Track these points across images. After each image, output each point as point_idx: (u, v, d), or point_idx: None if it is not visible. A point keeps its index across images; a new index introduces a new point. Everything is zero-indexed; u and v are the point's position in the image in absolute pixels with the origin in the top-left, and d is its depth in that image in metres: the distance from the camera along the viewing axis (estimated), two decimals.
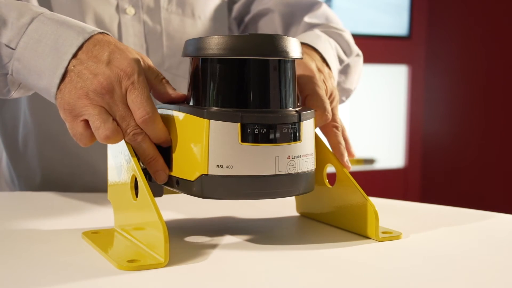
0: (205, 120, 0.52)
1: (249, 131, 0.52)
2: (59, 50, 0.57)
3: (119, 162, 0.56)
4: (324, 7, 0.93)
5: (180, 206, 0.72)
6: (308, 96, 0.63)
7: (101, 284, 0.45)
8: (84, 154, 0.86)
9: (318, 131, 0.64)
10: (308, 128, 0.56)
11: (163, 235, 0.48)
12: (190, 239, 0.58)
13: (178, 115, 0.55)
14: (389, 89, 2.64)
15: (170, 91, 0.58)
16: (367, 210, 0.58)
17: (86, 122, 0.55)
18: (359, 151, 2.64)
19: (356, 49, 0.90)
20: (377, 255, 0.54)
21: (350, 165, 0.62)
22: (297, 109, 0.56)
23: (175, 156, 0.56)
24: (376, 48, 2.44)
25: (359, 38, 0.96)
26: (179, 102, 0.58)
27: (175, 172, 0.56)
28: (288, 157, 0.54)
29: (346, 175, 0.60)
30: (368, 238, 0.58)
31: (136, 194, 0.53)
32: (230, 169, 0.52)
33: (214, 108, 0.54)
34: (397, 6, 2.55)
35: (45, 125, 0.86)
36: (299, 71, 0.65)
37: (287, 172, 0.54)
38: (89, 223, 0.63)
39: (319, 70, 0.68)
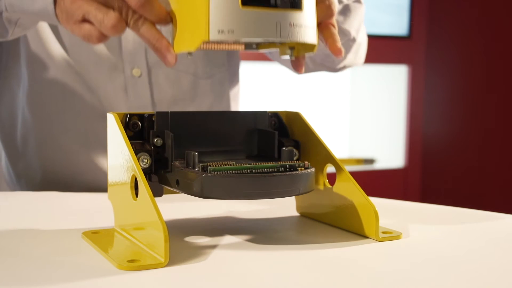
0: None
1: None
2: None
3: (119, 162, 0.56)
4: None
5: (180, 206, 0.72)
6: None
7: (101, 284, 0.45)
8: (84, 152, 0.86)
9: (316, 128, 0.64)
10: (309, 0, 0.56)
11: (163, 235, 0.48)
12: (190, 239, 0.58)
13: None
14: (389, 89, 2.64)
15: None
16: (367, 210, 0.58)
17: (85, 20, 0.56)
18: (359, 151, 2.64)
19: None
20: (377, 255, 0.54)
21: (342, 49, 0.63)
22: None
23: (175, 32, 0.56)
24: (376, 48, 2.43)
25: None
26: None
27: (176, 48, 0.56)
28: (290, 24, 0.54)
29: (346, 175, 0.60)
30: (368, 238, 0.58)
31: (136, 194, 0.53)
32: (231, 34, 0.53)
33: None
34: (397, 6, 2.55)
35: (44, 124, 0.86)
36: None
37: (289, 40, 0.54)
38: (89, 223, 0.63)
39: None
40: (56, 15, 0.57)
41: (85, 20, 0.56)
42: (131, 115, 0.58)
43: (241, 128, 0.63)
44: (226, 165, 0.54)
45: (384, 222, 0.60)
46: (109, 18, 0.55)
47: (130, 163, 0.54)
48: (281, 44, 0.62)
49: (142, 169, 0.55)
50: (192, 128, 0.61)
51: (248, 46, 0.63)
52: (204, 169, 0.53)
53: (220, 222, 0.66)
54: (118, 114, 0.57)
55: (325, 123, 2.65)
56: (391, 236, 0.58)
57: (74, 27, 0.56)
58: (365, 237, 0.58)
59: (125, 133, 0.56)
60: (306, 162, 0.57)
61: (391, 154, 2.64)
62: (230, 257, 0.52)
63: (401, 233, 0.59)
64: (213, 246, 0.55)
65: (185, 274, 0.47)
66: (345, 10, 0.87)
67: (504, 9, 2.60)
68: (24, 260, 0.50)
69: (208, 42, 0.54)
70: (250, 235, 0.60)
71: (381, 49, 2.48)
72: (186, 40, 0.55)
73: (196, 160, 0.55)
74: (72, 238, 0.58)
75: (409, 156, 2.62)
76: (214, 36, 0.53)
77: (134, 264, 0.48)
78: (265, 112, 0.65)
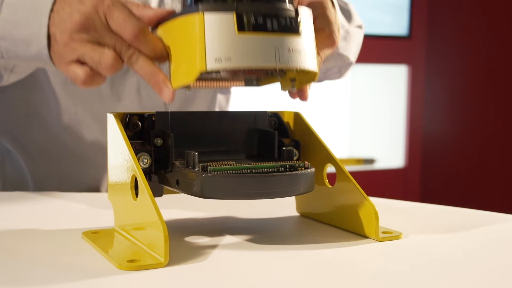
0: (199, 14, 0.51)
1: (245, 20, 0.51)
2: (37, 11, 0.56)
3: (119, 162, 0.56)
4: None
5: (180, 206, 0.72)
6: (318, 17, 0.62)
7: (101, 284, 0.45)
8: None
9: (316, 128, 0.64)
10: (307, 25, 0.55)
11: (163, 235, 0.48)
12: (190, 239, 0.58)
13: (170, 25, 0.55)
14: (389, 89, 2.64)
15: (158, 10, 0.57)
16: (367, 210, 0.58)
17: (78, 61, 0.55)
18: (359, 151, 2.64)
19: (358, 20, 0.89)
20: (377, 255, 0.54)
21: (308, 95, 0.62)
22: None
23: (172, 67, 0.55)
24: (376, 48, 2.44)
25: None
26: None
27: (174, 82, 0.54)
28: (289, 50, 0.53)
29: (346, 175, 0.60)
30: (368, 238, 0.58)
31: (136, 194, 0.53)
32: (229, 62, 0.51)
33: (207, 4, 0.53)
34: (397, 6, 2.54)
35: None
36: None
37: (288, 65, 0.52)
38: (89, 223, 0.63)
39: (332, 6, 0.67)
40: (51, 58, 0.57)
41: (79, 61, 0.55)
42: (131, 115, 0.58)
43: (241, 128, 0.63)
44: (226, 165, 0.54)
45: (384, 222, 0.60)
46: (105, 58, 0.53)
47: (130, 163, 0.54)
48: (282, 77, 0.60)
49: (142, 169, 0.55)
50: (192, 128, 0.61)
51: (248, 82, 0.62)
52: (204, 169, 0.53)
53: (220, 222, 0.66)
54: (118, 114, 0.57)
55: (325, 123, 2.65)
56: (391, 236, 0.58)
57: (64, 69, 0.56)
58: (365, 237, 0.58)
59: (125, 133, 0.56)
60: (306, 162, 0.57)
61: (391, 154, 2.64)
62: (230, 257, 0.52)
63: (401, 233, 0.59)
64: (213, 246, 0.55)
65: (185, 274, 0.47)
66: (346, 36, 0.87)
67: (504, 9, 2.60)
68: (24, 260, 0.50)
69: (206, 72, 0.52)
70: (250, 235, 0.60)
71: (381, 49, 2.47)
72: (183, 72, 0.53)
73: (196, 160, 0.55)
74: (72, 238, 0.58)
75: (409, 156, 2.62)
76: (211, 65, 0.51)
77: (134, 264, 0.48)
78: (265, 112, 0.65)
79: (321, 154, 0.62)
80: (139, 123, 0.59)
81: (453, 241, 0.59)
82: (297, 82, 0.60)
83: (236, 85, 0.61)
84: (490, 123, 2.65)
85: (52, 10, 0.56)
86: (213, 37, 0.51)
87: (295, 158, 0.61)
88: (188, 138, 0.61)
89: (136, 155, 0.56)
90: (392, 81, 2.63)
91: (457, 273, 0.49)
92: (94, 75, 0.55)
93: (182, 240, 0.57)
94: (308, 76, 0.59)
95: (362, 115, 2.65)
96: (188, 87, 0.55)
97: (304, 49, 0.54)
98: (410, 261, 0.52)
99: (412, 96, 2.59)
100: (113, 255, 0.51)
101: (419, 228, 0.62)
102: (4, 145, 0.89)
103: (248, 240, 0.58)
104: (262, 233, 0.61)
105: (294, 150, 0.62)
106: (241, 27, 0.51)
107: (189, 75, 0.53)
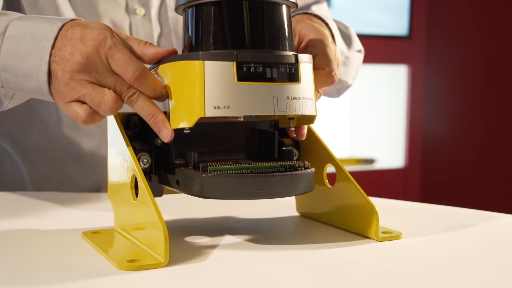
0: (199, 61, 0.52)
1: (245, 69, 0.51)
2: (38, 46, 0.56)
3: (119, 162, 0.56)
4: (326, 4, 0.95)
5: (180, 206, 0.72)
6: (318, 56, 0.63)
7: (101, 284, 0.45)
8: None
9: (316, 128, 0.64)
10: (307, 71, 0.55)
11: (163, 235, 0.48)
12: (190, 239, 0.58)
13: (171, 66, 0.55)
14: (389, 89, 2.64)
15: (159, 49, 0.57)
16: (367, 210, 0.58)
17: (79, 101, 0.55)
18: (359, 151, 2.64)
19: (358, 44, 0.89)
20: (377, 255, 0.54)
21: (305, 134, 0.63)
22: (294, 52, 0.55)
23: (171, 107, 0.55)
24: (376, 48, 2.43)
25: (359, 38, 0.97)
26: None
27: (173, 123, 0.55)
28: (287, 98, 0.53)
29: (346, 175, 0.60)
30: (368, 238, 0.58)
31: (136, 194, 0.53)
32: (227, 110, 0.51)
33: (208, 51, 0.53)
34: (397, 6, 2.54)
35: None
36: (311, 35, 0.65)
37: (286, 113, 0.53)
38: (89, 223, 0.63)
39: (332, 41, 0.68)
40: (51, 94, 0.57)
41: (79, 101, 0.55)
42: (131, 115, 0.58)
43: (241, 128, 0.63)
44: (226, 165, 0.54)
45: (384, 222, 0.60)
46: (105, 100, 0.53)
47: (130, 163, 0.54)
48: (281, 115, 0.61)
49: (142, 169, 0.55)
50: (192, 128, 0.61)
51: (247, 117, 0.62)
52: (204, 169, 0.53)
53: (220, 222, 0.66)
54: (118, 114, 0.58)
55: (325, 123, 2.65)
56: (391, 236, 0.58)
57: (64, 107, 0.56)
58: (365, 237, 0.58)
59: (125, 133, 0.56)
60: (306, 162, 0.57)
61: (391, 154, 2.64)
62: (230, 257, 0.52)
63: (401, 233, 0.59)
64: (213, 246, 0.55)
65: (185, 274, 0.47)
66: (346, 61, 0.88)
67: (503, 9, 2.60)
68: (24, 260, 0.50)
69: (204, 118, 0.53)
70: (250, 235, 0.60)
71: (381, 49, 2.47)
72: (183, 115, 0.53)
73: (196, 160, 0.55)
74: (72, 238, 0.58)
75: (409, 156, 2.62)
76: (210, 112, 0.51)
77: (134, 264, 0.48)
78: None
79: (321, 154, 0.62)
80: (139, 123, 0.59)
81: (453, 241, 0.59)
82: (295, 120, 0.60)
83: (235, 120, 0.62)
84: (490, 123, 2.65)
85: (53, 46, 0.56)
86: (212, 85, 0.51)
87: (295, 158, 0.61)
88: (188, 138, 0.61)
89: (136, 155, 0.56)
90: (392, 81, 2.63)
91: (457, 273, 0.49)
92: (94, 114, 0.55)
93: (182, 240, 0.57)
94: (307, 118, 0.59)
95: (362, 115, 2.65)
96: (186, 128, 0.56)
97: (303, 96, 0.54)
98: (410, 261, 0.52)
99: (412, 96, 2.59)
100: (113, 255, 0.51)
101: (419, 228, 0.62)
102: (4, 147, 0.89)
103: (248, 240, 0.58)
104: (262, 233, 0.61)
105: (294, 150, 0.62)
106: (241, 77, 0.51)
107: (188, 119, 0.53)
